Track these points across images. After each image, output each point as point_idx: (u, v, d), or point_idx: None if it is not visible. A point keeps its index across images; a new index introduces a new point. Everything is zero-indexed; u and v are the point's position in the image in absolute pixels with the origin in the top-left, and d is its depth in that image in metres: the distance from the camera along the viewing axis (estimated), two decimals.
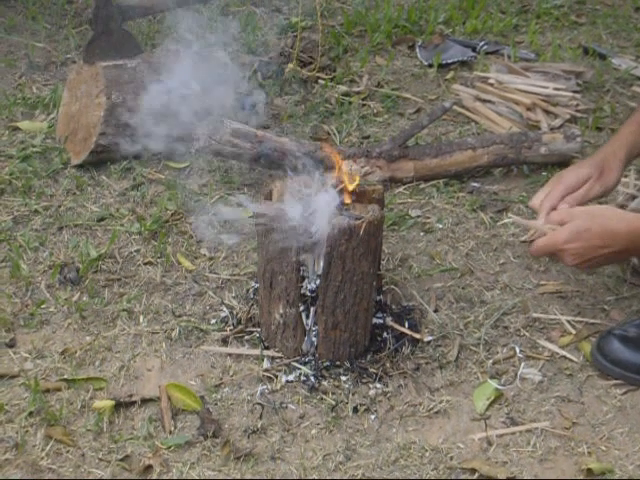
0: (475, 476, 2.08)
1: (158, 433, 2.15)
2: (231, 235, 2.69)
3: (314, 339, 2.31)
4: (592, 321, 2.53)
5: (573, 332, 2.49)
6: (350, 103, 3.59)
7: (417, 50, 4.06)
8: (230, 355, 2.38)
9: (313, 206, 2.25)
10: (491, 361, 2.39)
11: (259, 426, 2.17)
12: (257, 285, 2.47)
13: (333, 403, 2.24)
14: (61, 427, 2.14)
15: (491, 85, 3.70)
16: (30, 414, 2.16)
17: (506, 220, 2.49)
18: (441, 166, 3.12)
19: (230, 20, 4.18)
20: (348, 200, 2.30)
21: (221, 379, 2.31)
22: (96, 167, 3.10)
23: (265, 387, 2.28)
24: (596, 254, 2.30)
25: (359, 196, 2.32)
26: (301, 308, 2.30)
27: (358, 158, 3.04)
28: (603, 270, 2.69)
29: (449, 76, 3.87)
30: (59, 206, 2.92)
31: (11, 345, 2.39)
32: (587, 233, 2.29)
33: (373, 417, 2.22)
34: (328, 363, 2.32)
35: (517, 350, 2.42)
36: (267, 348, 2.37)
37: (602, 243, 2.28)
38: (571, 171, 2.55)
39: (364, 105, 3.61)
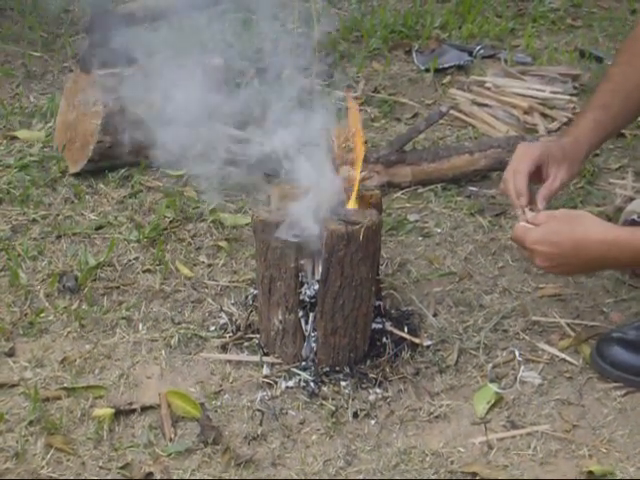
0: None
1: (158, 440, 2.15)
2: None
3: (313, 345, 2.31)
4: (591, 324, 2.53)
5: (572, 335, 2.49)
6: (347, 109, 3.59)
7: (414, 55, 4.06)
8: (229, 362, 2.38)
9: (313, 210, 2.26)
10: (491, 365, 2.38)
11: (259, 432, 2.17)
12: (256, 291, 2.47)
13: (333, 409, 2.24)
14: (61, 436, 2.14)
15: (488, 89, 3.70)
16: (30, 423, 2.16)
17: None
18: (439, 170, 3.13)
19: (227, 27, 4.18)
20: (349, 203, 2.31)
21: (221, 386, 2.31)
22: (94, 175, 3.10)
23: (265, 393, 2.28)
24: (566, 261, 2.21)
25: (357, 201, 2.33)
26: (300, 314, 2.30)
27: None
28: (601, 272, 2.69)
29: (446, 80, 3.87)
30: (57, 215, 2.92)
31: (10, 354, 2.38)
32: (557, 237, 2.19)
33: (373, 422, 2.22)
34: (328, 369, 2.32)
35: (517, 353, 2.42)
36: (266, 354, 2.37)
37: (572, 250, 2.19)
38: (538, 148, 2.48)
39: (361, 110, 3.61)
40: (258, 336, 2.41)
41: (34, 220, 2.89)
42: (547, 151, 2.45)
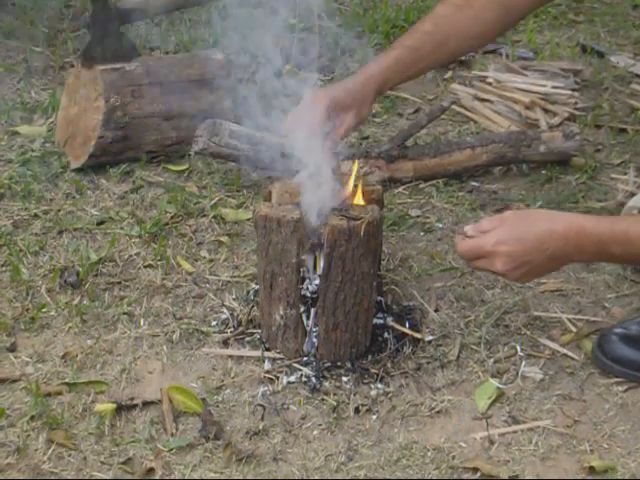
0: (477, 475, 2.07)
1: (160, 436, 2.15)
2: None
3: (315, 340, 2.31)
4: (593, 319, 2.53)
5: (574, 330, 2.48)
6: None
7: None
8: (231, 357, 2.38)
9: (314, 206, 2.26)
10: (492, 360, 2.38)
11: (261, 427, 2.17)
12: (257, 287, 2.47)
13: (334, 404, 2.24)
14: (63, 431, 2.14)
15: (489, 84, 3.70)
16: (32, 418, 2.16)
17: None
18: (440, 166, 3.12)
19: (227, 22, 4.18)
20: (350, 200, 2.31)
21: (222, 381, 2.31)
22: (95, 171, 3.11)
23: (266, 388, 2.28)
24: (530, 258, 2.06)
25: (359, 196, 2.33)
26: (301, 309, 2.30)
27: (357, 159, 3.04)
28: (603, 267, 2.69)
29: (447, 76, 3.87)
30: (59, 210, 2.92)
31: (12, 349, 2.38)
32: (521, 233, 2.06)
33: (375, 417, 2.22)
34: (329, 364, 2.32)
35: (518, 349, 2.42)
36: (268, 349, 2.37)
37: (538, 244, 2.05)
38: (324, 99, 2.40)
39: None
40: (259, 331, 2.41)
41: (36, 215, 2.89)
42: (334, 100, 2.37)
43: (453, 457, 2.12)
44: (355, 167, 2.36)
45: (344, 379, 2.30)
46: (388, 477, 2.07)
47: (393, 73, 2.44)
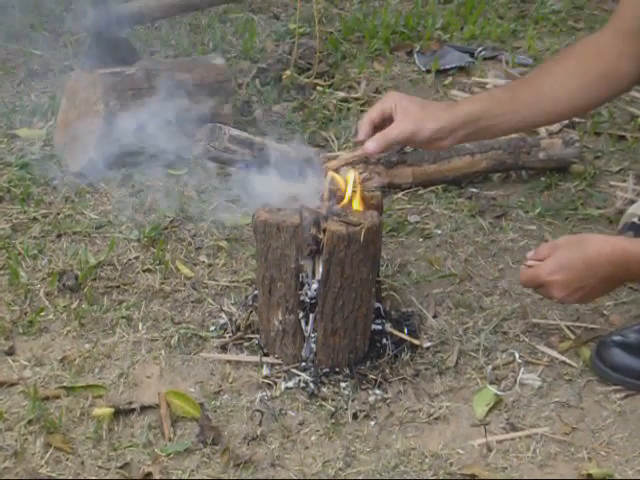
0: None
1: (157, 440, 2.15)
2: None
3: (313, 345, 2.31)
4: (591, 326, 2.53)
5: (572, 337, 2.49)
6: (348, 109, 3.59)
7: (415, 56, 4.05)
8: (229, 362, 2.38)
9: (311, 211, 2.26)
10: (490, 367, 2.38)
11: (258, 433, 2.17)
12: (256, 292, 2.47)
13: (332, 409, 2.24)
14: (60, 435, 2.14)
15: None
16: (29, 422, 2.16)
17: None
18: (439, 172, 3.12)
19: (228, 27, 4.18)
20: (347, 205, 2.31)
21: (220, 386, 2.31)
22: (94, 174, 3.10)
23: (264, 394, 2.28)
24: (583, 283, 2.18)
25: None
26: (300, 315, 2.30)
27: (356, 164, 3.04)
28: None
29: (447, 82, 3.87)
30: (58, 213, 2.92)
31: (10, 353, 2.38)
32: (570, 261, 2.18)
33: (373, 423, 2.22)
34: (327, 369, 2.32)
35: (516, 356, 2.42)
36: (266, 355, 2.37)
37: (587, 270, 2.17)
38: (388, 99, 2.37)
39: (362, 111, 3.60)
40: (258, 336, 2.41)
41: (34, 219, 2.89)
42: (397, 102, 2.33)
43: (451, 464, 2.12)
44: (352, 173, 2.35)
45: (342, 385, 2.30)
46: None
47: (485, 105, 2.38)
